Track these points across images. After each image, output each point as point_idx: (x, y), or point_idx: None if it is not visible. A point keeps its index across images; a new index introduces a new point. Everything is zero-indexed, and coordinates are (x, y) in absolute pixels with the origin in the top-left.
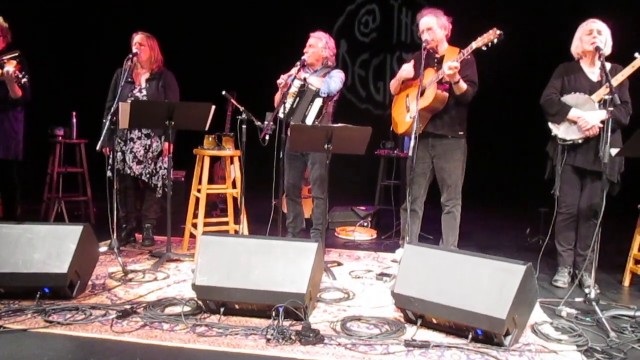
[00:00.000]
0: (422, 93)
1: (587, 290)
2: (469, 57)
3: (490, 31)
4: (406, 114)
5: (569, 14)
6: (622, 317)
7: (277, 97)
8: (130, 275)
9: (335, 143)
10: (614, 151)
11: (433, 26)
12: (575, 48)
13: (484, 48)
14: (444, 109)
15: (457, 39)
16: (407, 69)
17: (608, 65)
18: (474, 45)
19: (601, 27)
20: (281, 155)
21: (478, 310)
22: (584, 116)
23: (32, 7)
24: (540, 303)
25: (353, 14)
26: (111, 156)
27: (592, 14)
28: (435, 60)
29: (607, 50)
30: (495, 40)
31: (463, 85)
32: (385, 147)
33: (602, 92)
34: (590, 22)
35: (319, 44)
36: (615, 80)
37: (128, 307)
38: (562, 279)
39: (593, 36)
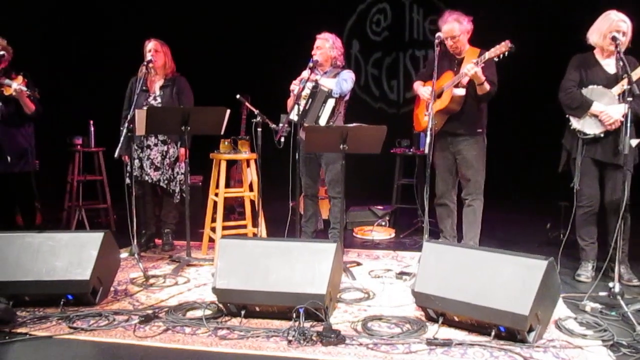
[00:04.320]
0: (439, 95)
1: (611, 284)
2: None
3: (503, 43)
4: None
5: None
6: None
7: (290, 102)
8: (151, 281)
9: (351, 143)
10: (634, 142)
11: (456, 34)
12: (595, 40)
13: (495, 59)
14: (461, 109)
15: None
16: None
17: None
18: (487, 55)
19: (628, 27)
20: (297, 157)
21: (500, 307)
22: (607, 110)
23: (48, 19)
24: (564, 298)
25: (364, 13)
26: (129, 163)
27: (607, 6)
28: (456, 62)
29: (625, 43)
30: (507, 53)
31: (487, 86)
32: (401, 145)
33: (623, 85)
34: (619, 22)
35: (326, 45)
36: (635, 75)
37: (150, 312)
38: (586, 273)
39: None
